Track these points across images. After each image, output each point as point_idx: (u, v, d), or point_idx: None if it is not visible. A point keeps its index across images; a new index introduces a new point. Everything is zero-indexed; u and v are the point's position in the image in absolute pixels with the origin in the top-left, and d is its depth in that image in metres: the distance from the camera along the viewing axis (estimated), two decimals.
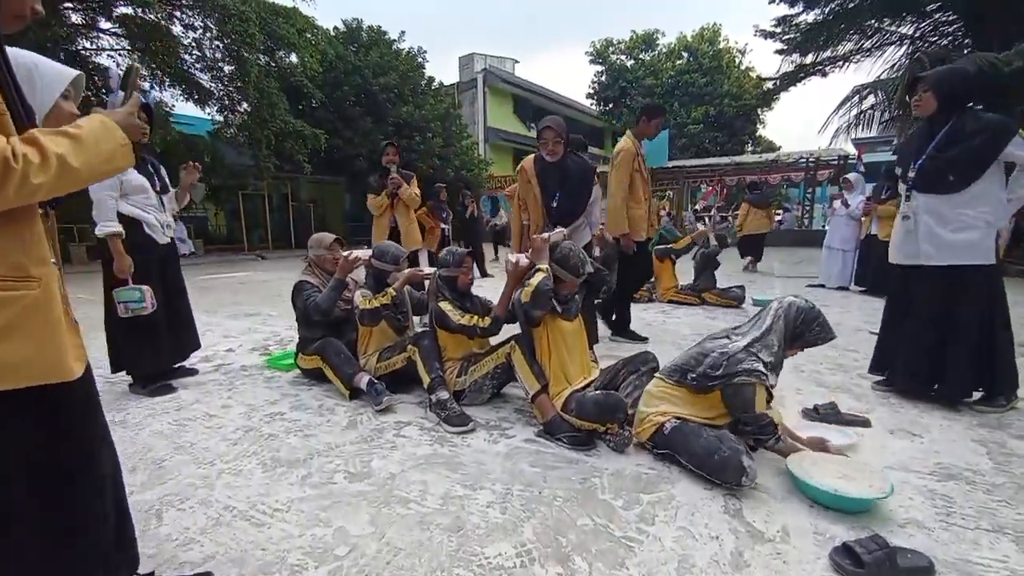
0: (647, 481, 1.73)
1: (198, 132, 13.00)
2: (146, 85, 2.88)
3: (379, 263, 2.77)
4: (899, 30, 11.31)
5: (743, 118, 22.55)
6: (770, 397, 1.79)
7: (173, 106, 11.98)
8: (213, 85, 12.02)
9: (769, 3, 12.10)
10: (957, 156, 2.17)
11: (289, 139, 12.45)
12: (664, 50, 25.18)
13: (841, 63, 12.51)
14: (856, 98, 10.55)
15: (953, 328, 2.23)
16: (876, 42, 11.74)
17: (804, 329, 1.81)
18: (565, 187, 3.03)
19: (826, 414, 2.23)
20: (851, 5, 10.90)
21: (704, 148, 22.45)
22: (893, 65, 10.90)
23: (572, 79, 66.28)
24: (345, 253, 2.81)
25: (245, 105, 11.96)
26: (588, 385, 2.19)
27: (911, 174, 2.33)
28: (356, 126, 15.30)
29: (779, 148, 30.84)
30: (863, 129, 10.82)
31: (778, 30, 13.07)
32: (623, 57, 26.08)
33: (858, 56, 12.12)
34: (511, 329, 2.41)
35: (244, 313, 5.19)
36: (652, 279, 5.68)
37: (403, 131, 16.29)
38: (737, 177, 18.61)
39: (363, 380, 2.52)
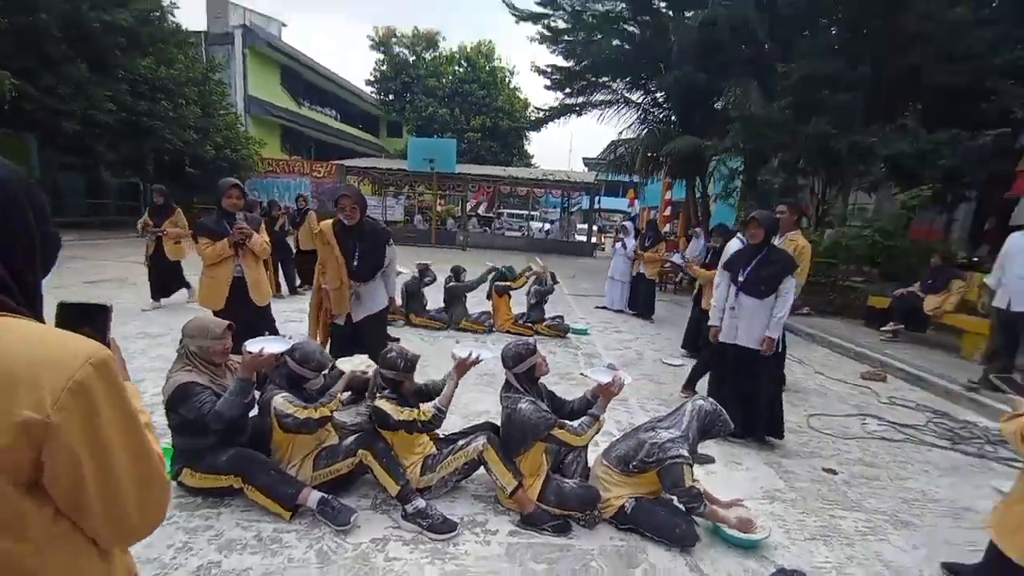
0: (627, 555, 2.20)
1: None
2: None
3: (300, 368, 2.45)
4: (631, 97, 14.79)
5: (514, 133, 25.39)
6: (691, 473, 2.45)
7: None
8: None
9: (539, 43, 14.36)
10: (767, 275, 3.30)
11: None
12: (445, 53, 26.10)
13: (591, 109, 15.63)
14: (613, 147, 13.37)
15: (755, 388, 3.38)
16: (615, 98, 15.03)
17: (711, 426, 2.52)
18: (362, 248, 3.38)
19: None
20: (592, 62, 13.90)
21: (481, 156, 24.40)
22: (630, 125, 14.22)
23: (343, 48, 61.99)
24: (252, 350, 2.36)
25: None
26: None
27: (741, 279, 3.38)
28: (63, 72, 11.20)
29: (532, 157, 35.37)
30: (612, 172, 13.89)
31: (548, 70, 15.55)
32: (405, 51, 25.91)
33: (604, 107, 15.31)
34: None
35: None
36: (490, 311, 6.24)
37: (139, 89, 12.74)
38: (511, 187, 20.99)
39: (312, 498, 2.25)
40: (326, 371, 2.62)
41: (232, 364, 2.51)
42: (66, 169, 15.52)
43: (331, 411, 2.33)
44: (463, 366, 2.52)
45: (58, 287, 7.04)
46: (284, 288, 7.56)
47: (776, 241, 3.68)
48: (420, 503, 2.28)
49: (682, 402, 2.59)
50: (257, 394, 2.47)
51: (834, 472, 3.11)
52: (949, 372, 5.11)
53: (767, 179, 11.47)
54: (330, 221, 3.43)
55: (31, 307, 0.69)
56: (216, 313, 3.71)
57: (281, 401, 2.32)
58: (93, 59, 11.68)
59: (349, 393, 2.74)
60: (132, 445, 0.69)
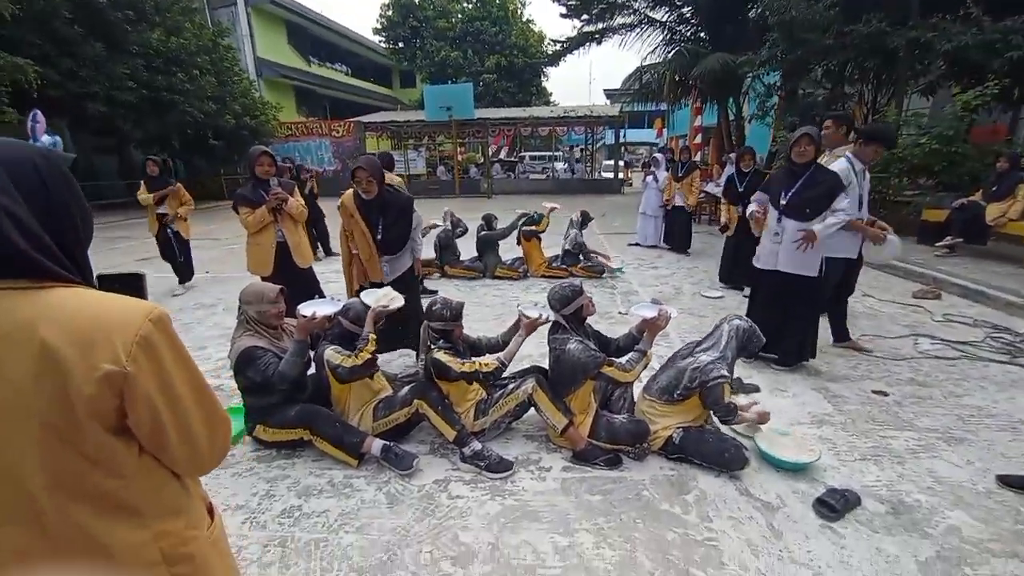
0: (677, 483, 2.29)
1: None
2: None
3: (354, 327, 2.56)
4: (655, 16, 13.69)
5: (530, 70, 24.17)
6: (729, 391, 2.48)
7: None
8: None
9: None
10: (813, 196, 3.11)
11: None
12: None
13: (611, 35, 14.63)
14: (637, 74, 12.58)
15: (791, 315, 3.30)
16: (638, 19, 13.97)
17: (747, 343, 2.53)
18: (385, 222, 3.26)
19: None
20: None
21: (498, 98, 23.49)
22: (654, 48, 13.26)
23: (350, 3, 59.25)
24: (305, 313, 2.48)
25: None
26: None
27: (783, 202, 3.22)
28: (79, 53, 11.28)
29: (551, 95, 33.94)
30: (638, 102, 13.15)
31: None
32: None
33: (625, 31, 14.29)
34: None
35: None
36: (523, 257, 6.22)
37: (154, 63, 12.72)
38: (531, 128, 20.27)
39: (375, 446, 2.41)
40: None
41: (287, 327, 2.65)
42: (99, 152, 15.96)
43: (371, 352, 2.43)
44: (532, 325, 2.56)
45: (119, 265, 7.46)
46: (320, 251, 7.74)
47: (824, 160, 3.42)
48: (476, 445, 2.42)
49: (718, 323, 2.58)
50: (312, 353, 2.62)
51: (884, 394, 3.07)
52: (1011, 284, 4.83)
53: (809, 91, 10.60)
54: (351, 192, 3.31)
55: (84, 277, 0.76)
56: (265, 279, 3.89)
57: (331, 353, 2.45)
58: (106, 36, 11.66)
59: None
60: (195, 389, 0.79)
